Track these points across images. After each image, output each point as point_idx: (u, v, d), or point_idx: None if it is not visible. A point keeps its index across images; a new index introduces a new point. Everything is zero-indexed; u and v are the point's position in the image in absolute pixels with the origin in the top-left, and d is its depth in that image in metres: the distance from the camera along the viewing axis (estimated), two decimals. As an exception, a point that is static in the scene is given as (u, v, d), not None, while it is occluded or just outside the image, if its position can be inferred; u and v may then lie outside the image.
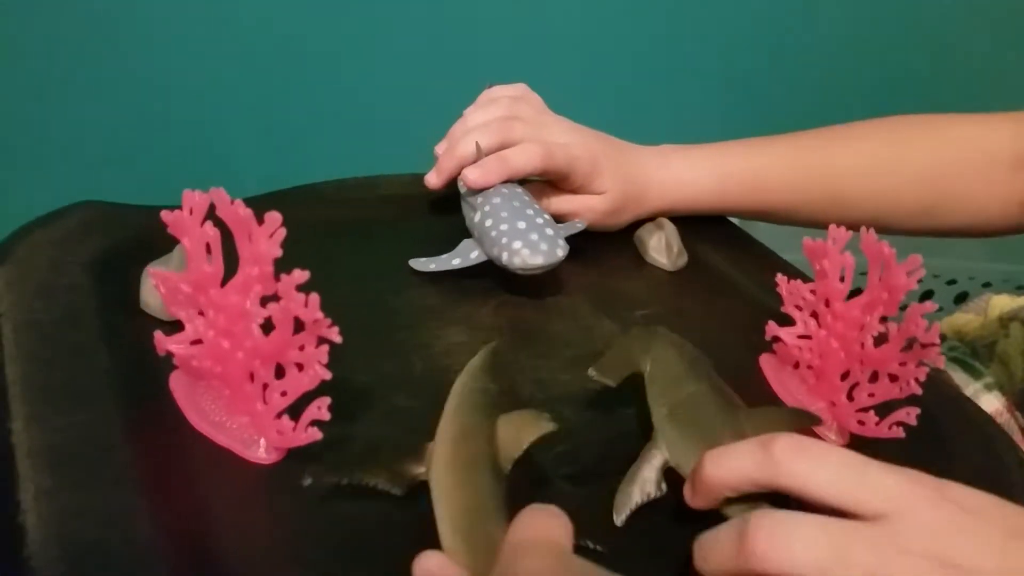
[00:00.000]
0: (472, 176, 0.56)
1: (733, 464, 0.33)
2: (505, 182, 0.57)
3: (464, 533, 0.32)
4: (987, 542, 0.30)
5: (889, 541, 0.29)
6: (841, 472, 0.31)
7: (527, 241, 0.52)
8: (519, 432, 0.37)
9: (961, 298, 1.20)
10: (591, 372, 0.42)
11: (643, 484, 0.38)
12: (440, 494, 0.34)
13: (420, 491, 0.35)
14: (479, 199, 0.56)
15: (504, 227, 0.53)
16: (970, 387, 0.67)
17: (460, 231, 0.59)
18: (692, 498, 0.36)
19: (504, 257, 0.52)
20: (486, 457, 0.35)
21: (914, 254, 0.41)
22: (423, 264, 0.56)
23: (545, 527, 0.29)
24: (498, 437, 0.37)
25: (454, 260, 0.56)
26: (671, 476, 0.38)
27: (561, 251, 0.53)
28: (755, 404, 0.42)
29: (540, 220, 0.54)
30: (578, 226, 0.59)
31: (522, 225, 0.53)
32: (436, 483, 0.35)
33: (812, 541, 0.29)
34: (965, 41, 1.25)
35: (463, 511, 0.33)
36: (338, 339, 0.35)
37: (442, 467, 0.35)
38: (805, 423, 0.42)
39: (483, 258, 0.55)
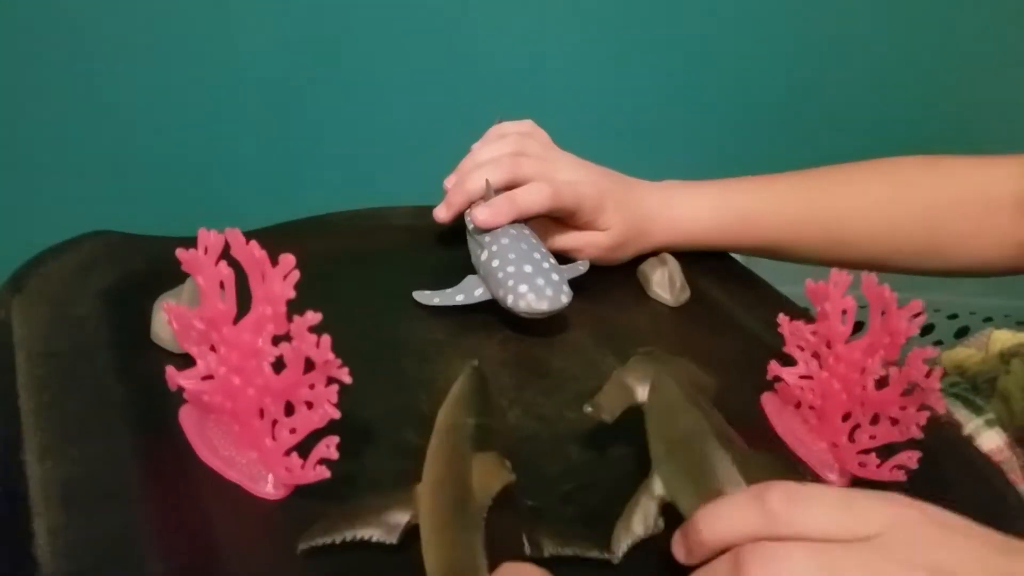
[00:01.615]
0: (482, 216, 0.57)
1: (728, 522, 0.34)
2: (513, 221, 0.58)
3: None
4: (970, 553, 0.31)
5: (877, 555, 0.31)
6: (834, 510, 0.32)
7: (533, 286, 0.53)
8: (486, 482, 0.37)
9: (962, 332, 1.21)
10: (586, 408, 0.42)
11: (641, 519, 0.38)
12: (425, 547, 0.35)
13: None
14: (487, 238, 0.57)
15: (511, 269, 0.54)
16: (971, 423, 0.67)
17: (467, 264, 0.60)
18: (687, 557, 0.35)
19: (509, 300, 0.53)
20: (462, 505, 0.35)
21: (915, 299, 0.41)
22: (427, 298, 0.57)
23: None
24: (473, 484, 0.37)
25: (458, 296, 0.56)
26: (668, 512, 0.39)
27: (566, 297, 0.53)
28: (755, 444, 0.42)
29: (546, 264, 0.55)
30: (580, 269, 0.61)
31: (529, 269, 0.54)
32: (422, 536, 0.35)
33: (804, 566, 0.31)
34: (978, 77, 1.26)
35: (444, 567, 0.34)
36: (348, 380, 0.36)
37: (426, 520, 0.36)
38: (799, 475, 0.42)
39: (487, 296, 0.55)
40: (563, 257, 0.62)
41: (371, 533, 0.36)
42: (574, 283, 0.56)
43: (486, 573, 0.32)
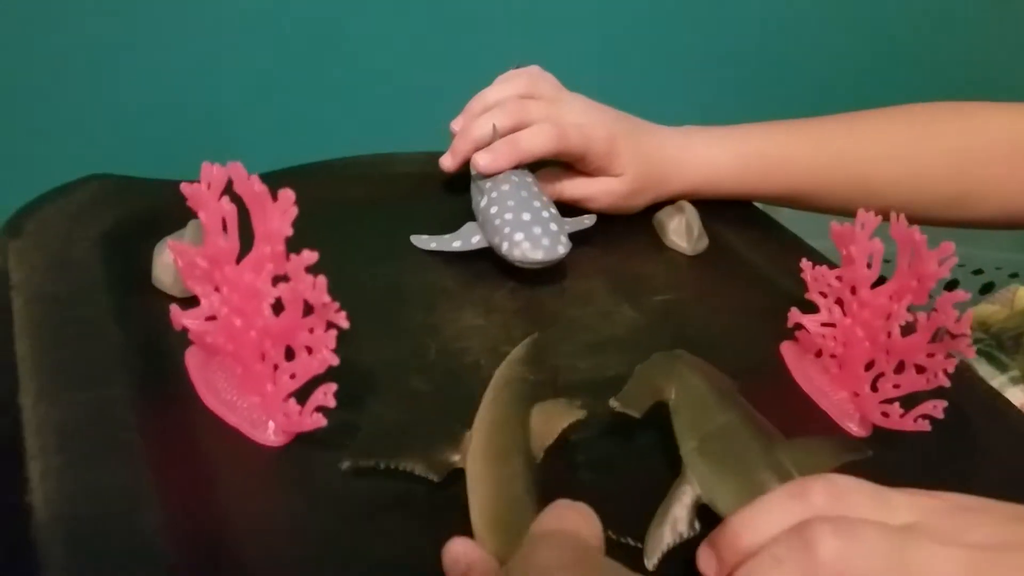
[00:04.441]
0: (483, 162, 0.55)
1: (768, 523, 0.31)
2: (517, 167, 0.56)
3: (493, 520, 0.33)
4: (995, 527, 0.31)
5: (926, 537, 0.30)
6: (871, 503, 0.31)
7: (529, 234, 0.51)
8: (550, 420, 0.37)
9: (987, 288, 1.18)
10: (613, 403, 0.40)
11: (674, 523, 0.36)
12: (474, 483, 0.35)
13: (450, 478, 0.36)
14: (488, 184, 0.55)
15: (508, 216, 0.52)
16: (995, 380, 0.66)
17: (472, 212, 0.58)
18: (718, 570, 0.33)
19: (504, 247, 0.52)
20: (519, 446, 0.36)
21: (946, 241, 0.39)
22: (424, 242, 0.56)
23: (570, 520, 0.30)
24: (532, 426, 0.37)
25: (455, 242, 0.55)
26: (703, 513, 0.36)
27: (563, 248, 0.52)
28: (773, 394, 0.40)
29: (546, 214, 0.53)
30: (586, 223, 0.58)
31: (527, 217, 0.52)
32: (470, 471, 0.35)
33: (877, 542, 0.30)
34: (979, 24, 1.22)
35: (493, 499, 0.34)
36: (345, 324, 0.34)
37: (477, 456, 0.36)
38: (848, 456, 0.39)
39: (484, 243, 0.54)
40: (575, 209, 0.60)
41: (415, 466, 0.36)
42: (588, 232, 0.54)
43: (534, 510, 0.32)
